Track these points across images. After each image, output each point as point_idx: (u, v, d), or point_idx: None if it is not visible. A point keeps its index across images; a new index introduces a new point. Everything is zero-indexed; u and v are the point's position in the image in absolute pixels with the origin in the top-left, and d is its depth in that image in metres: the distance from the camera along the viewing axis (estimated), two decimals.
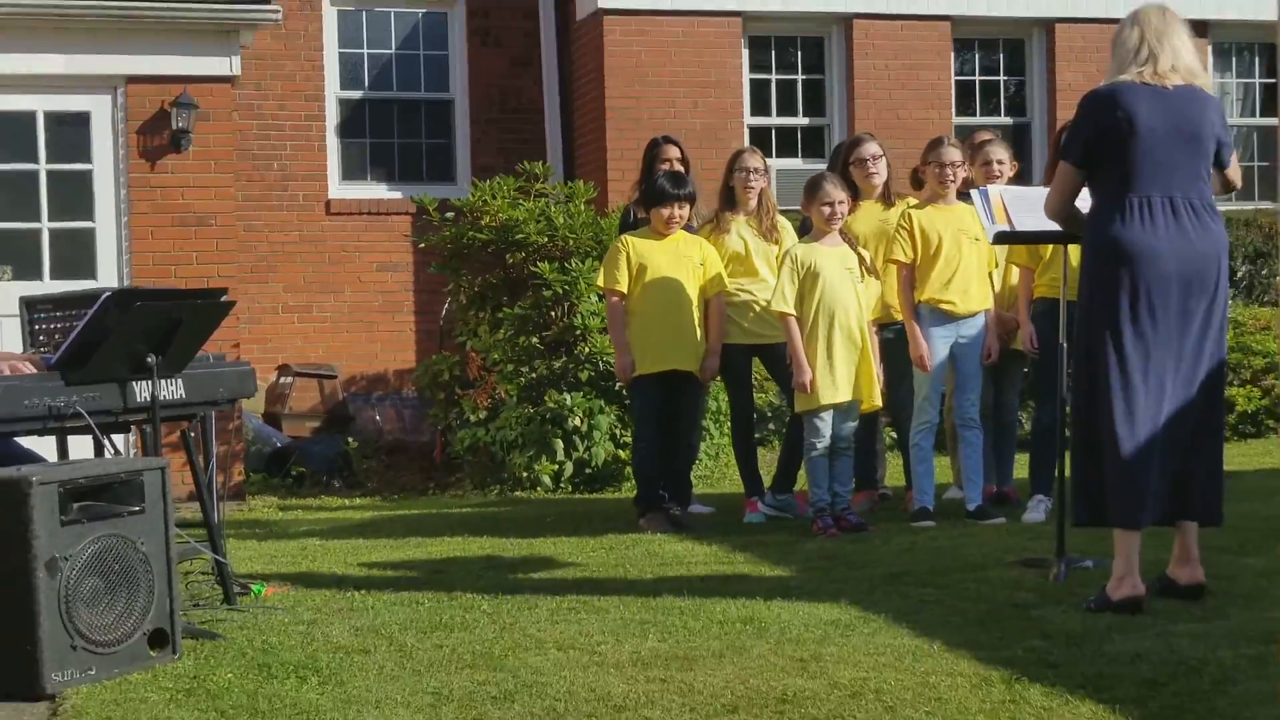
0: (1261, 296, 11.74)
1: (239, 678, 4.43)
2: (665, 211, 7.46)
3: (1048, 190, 6.11)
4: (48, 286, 9.46)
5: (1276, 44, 13.41)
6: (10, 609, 4.23)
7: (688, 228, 7.62)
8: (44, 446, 5.22)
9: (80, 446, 5.52)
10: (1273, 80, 13.53)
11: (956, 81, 12.81)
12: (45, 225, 9.91)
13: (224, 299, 5.26)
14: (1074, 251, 6.19)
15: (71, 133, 9.94)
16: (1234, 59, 13.32)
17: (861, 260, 7.14)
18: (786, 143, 12.53)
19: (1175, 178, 5.00)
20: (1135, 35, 5.09)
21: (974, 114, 12.87)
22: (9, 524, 4.23)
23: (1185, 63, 5.08)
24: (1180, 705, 3.91)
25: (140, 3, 9.62)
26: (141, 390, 4.89)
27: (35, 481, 4.23)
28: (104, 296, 4.76)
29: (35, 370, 4.74)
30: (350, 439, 11.19)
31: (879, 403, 7.23)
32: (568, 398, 9.44)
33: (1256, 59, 13.51)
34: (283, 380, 11.47)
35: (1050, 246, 6.90)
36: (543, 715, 4.00)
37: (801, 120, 12.65)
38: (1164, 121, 4.99)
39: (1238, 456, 8.61)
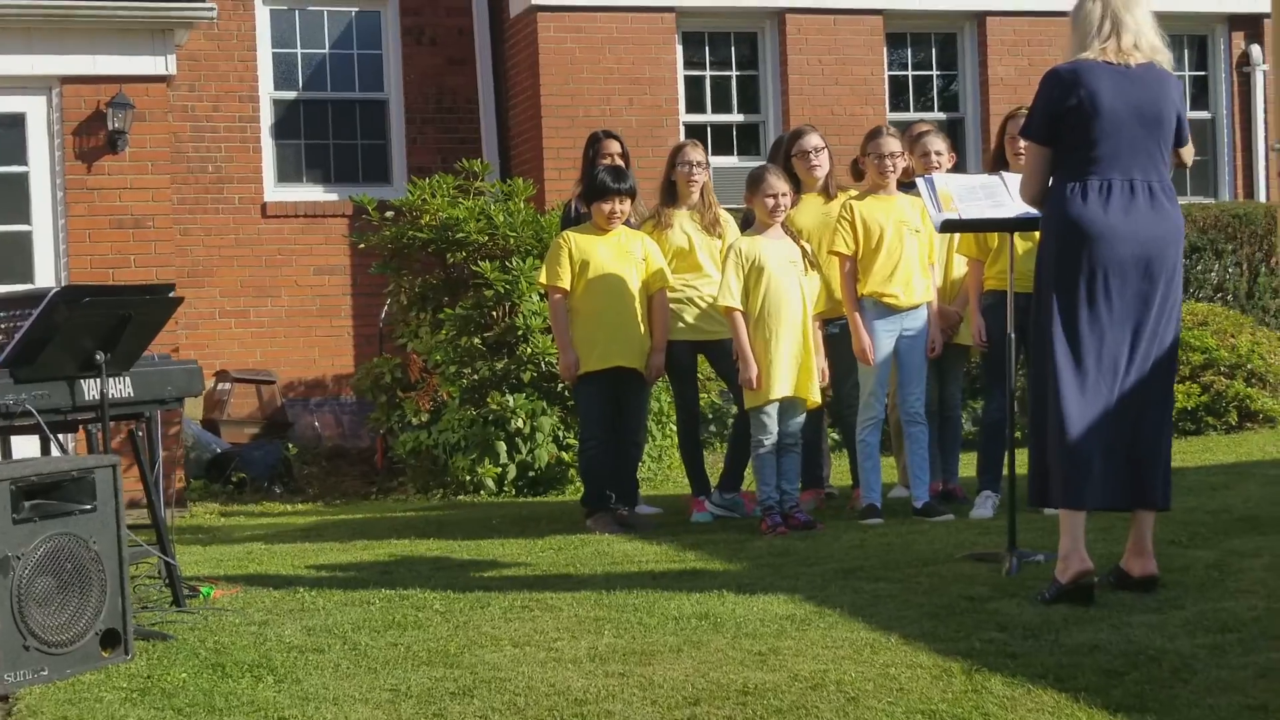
0: (1197, 292, 11.87)
1: (193, 677, 4.38)
2: (607, 206, 7.43)
3: (994, 177, 6.18)
4: None
5: (1206, 37, 13.64)
6: None
7: (629, 223, 7.60)
8: None
9: (22, 446, 5.44)
10: (1203, 73, 13.73)
11: (890, 76, 12.89)
12: None
13: (171, 295, 5.18)
14: (1019, 242, 6.25)
15: (6, 135, 9.78)
16: None
17: (805, 253, 7.13)
18: (722, 139, 12.55)
19: (1135, 160, 5.00)
20: (1098, 9, 5.06)
21: (907, 109, 12.95)
22: None
23: (1148, 40, 5.06)
24: (1142, 694, 3.93)
25: (74, 2, 9.49)
26: (90, 388, 4.82)
27: None
28: (52, 293, 4.68)
29: None
30: (290, 445, 11.08)
31: (818, 400, 7.20)
32: (510, 399, 9.38)
33: (1186, 51, 13.68)
34: (221, 386, 11.35)
35: (997, 237, 6.93)
36: (504, 710, 3.97)
37: (736, 117, 12.68)
38: (1126, 102, 4.98)
39: (1179, 453, 8.60)
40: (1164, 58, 5.11)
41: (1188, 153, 5.25)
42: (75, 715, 4.02)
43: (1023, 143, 5.88)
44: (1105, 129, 4.98)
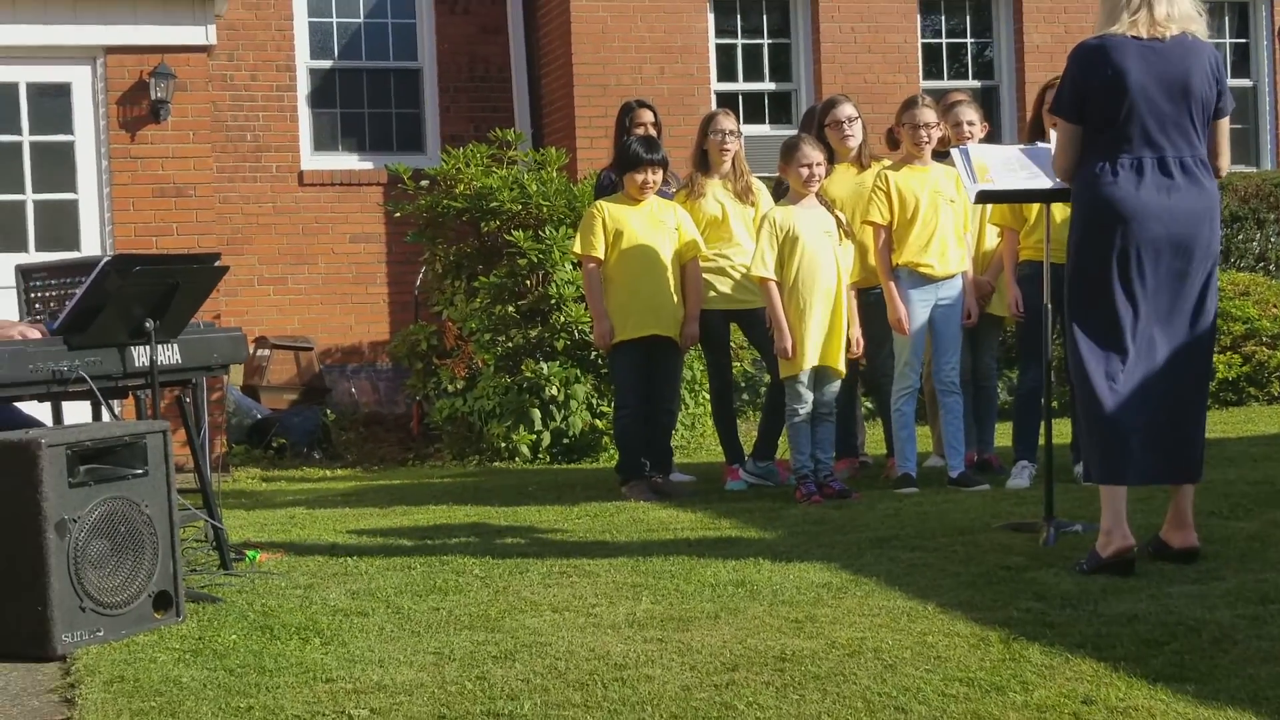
0: (1239, 262, 11.81)
1: (243, 639, 4.47)
2: (639, 176, 7.46)
3: (1029, 148, 6.17)
4: (33, 258, 9.43)
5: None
6: (20, 570, 4.26)
7: (663, 192, 7.63)
8: (40, 412, 5.23)
9: (73, 413, 5.54)
10: (1244, 40, 13.64)
11: (923, 44, 12.85)
12: (30, 197, 9.87)
13: (217, 264, 5.26)
14: (1057, 211, 6.26)
15: (53, 104, 9.88)
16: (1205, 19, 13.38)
17: (839, 223, 7.15)
18: (753, 108, 12.55)
19: (1166, 136, 4.95)
20: None
21: (941, 77, 12.91)
22: (19, 486, 4.26)
23: (1182, 9, 4.98)
24: (1182, 663, 3.93)
25: None
26: (140, 355, 4.90)
27: (44, 444, 4.25)
28: (104, 261, 4.77)
29: (39, 336, 4.75)
30: (328, 411, 11.19)
31: (843, 370, 7.20)
32: (544, 367, 9.45)
33: (1226, 19, 13.60)
34: (260, 353, 11.45)
35: (1035, 208, 6.92)
36: (545, 674, 4.03)
37: (768, 85, 12.67)
38: (1156, 78, 4.92)
39: (1220, 424, 8.68)
40: (1199, 27, 5.02)
41: (1223, 127, 5.11)
42: (131, 675, 4.10)
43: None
44: (1134, 106, 4.93)
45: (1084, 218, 5.06)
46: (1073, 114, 5.08)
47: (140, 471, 4.54)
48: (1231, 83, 13.37)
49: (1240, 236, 11.90)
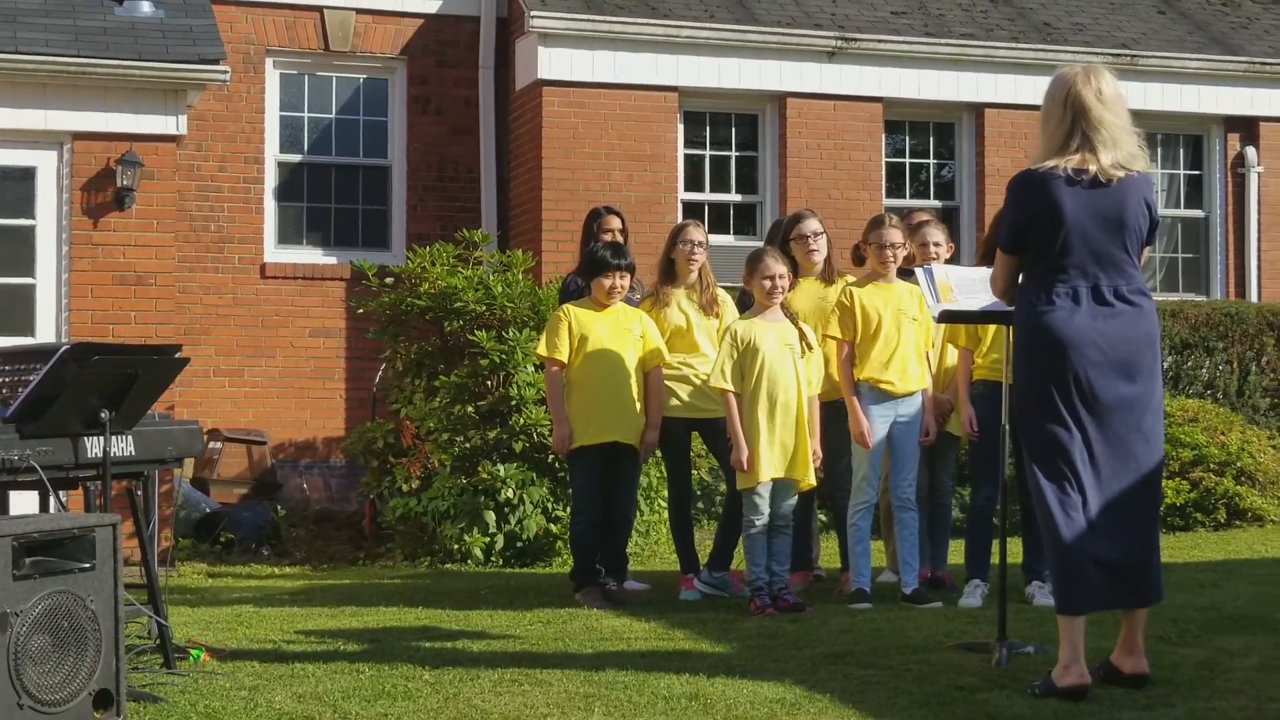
0: (1188, 388, 11.94)
1: None
2: (607, 281, 7.49)
3: (989, 271, 6.24)
4: None
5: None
6: None
7: (628, 300, 7.66)
8: None
9: (19, 502, 5.44)
10: (1197, 172, 13.89)
11: (886, 163, 13.03)
12: None
13: (177, 356, 5.22)
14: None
15: (15, 187, 9.87)
16: (1159, 149, 13.66)
17: (803, 335, 7.18)
18: (719, 218, 12.66)
19: (1103, 266, 5.00)
20: (1067, 122, 5.01)
21: (904, 195, 13.09)
22: None
23: (1126, 152, 5.02)
24: None
25: (90, 59, 9.59)
26: (93, 446, 4.84)
27: None
28: (61, 349, 4.71)
29: None
30: (278, 506, 11.07)
31: (814, 481, 7.24)
32: (501, 469, 9.40)
33: (1180, 150, 13.87)
34: (212, 445, 11.34)
35: (991, 328, 7.01)
36: None
37: (734, 197, 12.80)
38: (1091, 211, 4.97)
39: (1167, 549, 8.62)
40: (1141, 164, 5.07)
41: (1145, 254, 5.19)
42: None
43: None
44: (1069, 237, 4.98)
45: (1026, 345, 5.10)
46: (1008, 244, 5.17)
47: (87, 565, 4.46)
48: (1183, 213, 13.72)
49: (1190, 364, 12.04)
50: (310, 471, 11.94)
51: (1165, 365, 11.94)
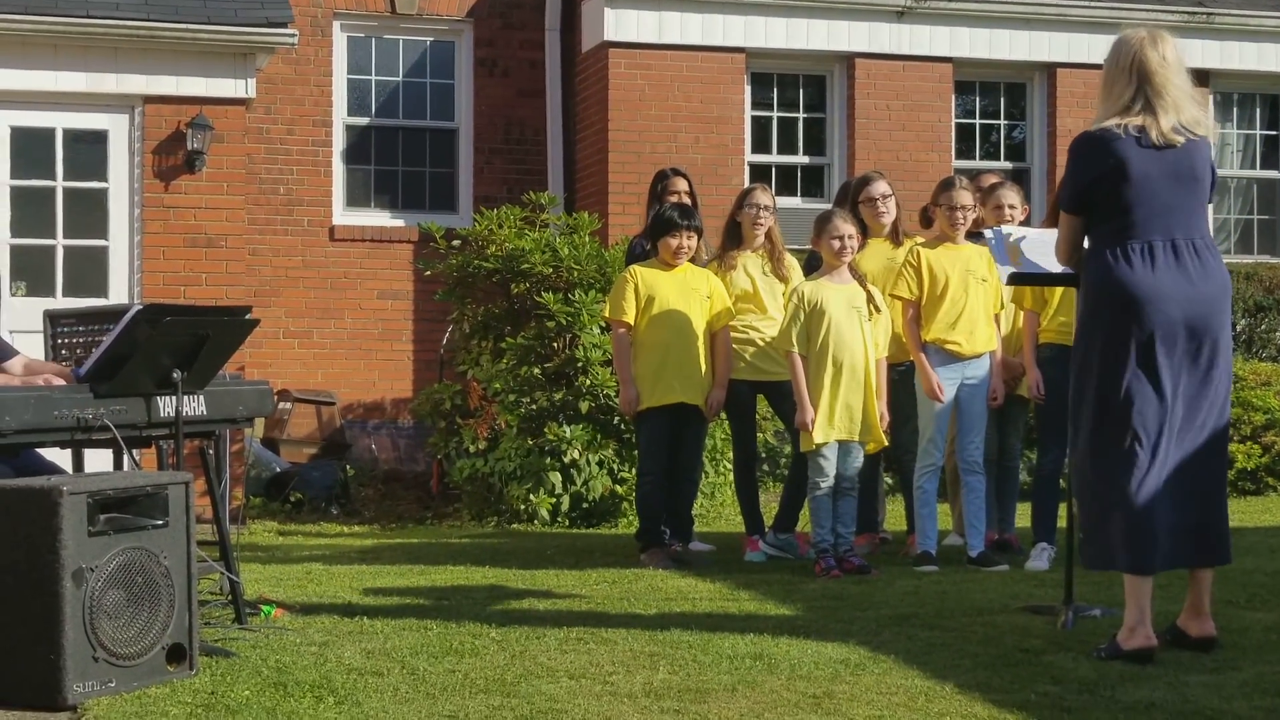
0: (1261, 351, 11.77)
1: (256, 695, 4.44)
2: (674, 241, 7.49)
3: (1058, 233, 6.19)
4: (60, 303, 9.48)
5: None
6: (35, 618, 4.25)
7: (695, 261, 7.65)
8: (60, 458, 5.23)
9: (94, 460, 5.54)
10: (1274, 132, 13.66)
11: (956, 124, 12.91)
12: (60, 242, 9.95)
13: (247, 318, 5.28)
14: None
15: (88, 150, 10.00)
16: (1235, 109, 13.44)
17: (870, 298, 7.16)
18: (786, 181, 12.60)
19: (1175, 220, 4.95)
20: (1131, 88, 4.97)
21: (973, 157, 12.97)
22: (38, 533, 4.25)
23: (1188, 117, 4.98)
24: None
25: (160, 23, 9.68)
26: (165, 405, 4.91)
27: (66, 491, 4.24)
28: (133, 310, 4.78)
29: (65, 382, 4.76)
30: (347, 466, 11.19)
31: (884, 442, 7.23)
32: (567, 430, 9.45)
33: (1257, 110, 13.63)
34: (282, 405, 11.47)
35: (1058, 291, 6.94)
36: None
37: (802, 159, 12.73)
38: (1158, 166, 4.93)
39: (1238, 513, 8.62)
40: (1204, 130, 5.02)
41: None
42: None
43: None
44: (1139, 193, 4.93)
45: (1095, 304, 5.04)
46: (1073, 205, 5.11)
47: (160, 523, 4.53)
48: (1259, 175, 13.50)
49: (1264, 326, 11.87)
50: (378, 432, 12.05)
51: (1239, 328, 11.79)
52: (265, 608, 5.72)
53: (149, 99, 9.93)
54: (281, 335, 12.14)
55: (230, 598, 5.51)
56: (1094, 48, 12.70)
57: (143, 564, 4.47)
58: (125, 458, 4.93)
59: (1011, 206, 7.69)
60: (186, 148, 9.90)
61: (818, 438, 6.97)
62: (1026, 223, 8.10)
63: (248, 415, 5.41)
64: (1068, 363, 6.00)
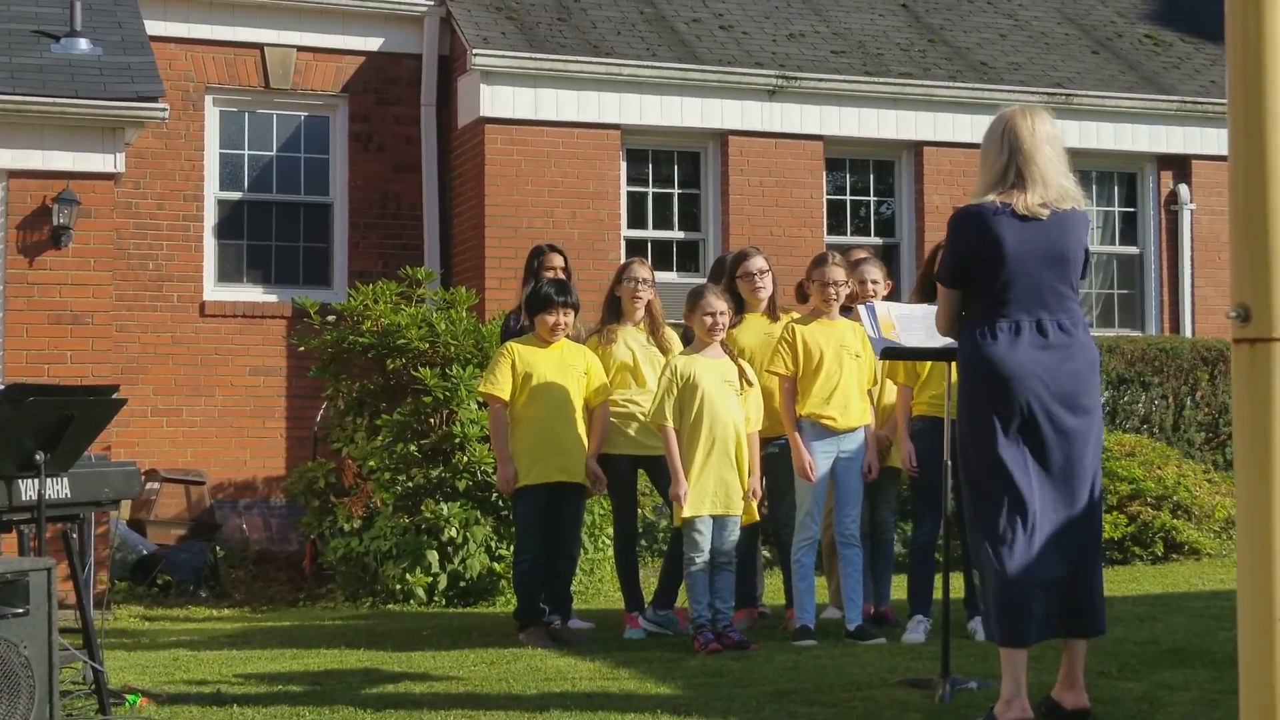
0: (1125, 423, 12.06)
1: None
2: (550, 318, 7.49)
3: (930, 308, 6.29)
4: None
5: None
6: None
7: (573, 337, 7.65)
8: None
9: None
10: (1132, 209, 14.08)
11: (828, 200, 13.12)
12: None
13: (114, 397, 5.15)
14: (956, 370, 6.35)
15: None
16: (1094, 187, 13.84)
17: (742, 372, 7.21)
18: (662, 256, 12.69)
19: (1045, 299, 5.05)
20: (1004, 157, 5.08)
21: (844, 232, 13.19)
22: None
23: (1055, 190, 5.08)
24: None
25: (26, 96, 9.50)
26: (27, 489, 4.76)
27: None
28: None
29: None
30: (217, 547, 10.94)
31: (755, 516, 7.25)
32: (444, 508, 9.34)
33: (1116, 188, 14.06)
34: (149, 485, 11.20)
35: (930, 364, 7.06)
36: None
37: (677, 234, 12.84)
38: (1032, 245, 5.02)
39: (1106, 583, 8.71)
40: (1074, 200, 5.12)
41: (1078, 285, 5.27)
42: None
43: None
44: (1012, 271, 5.03)
45: (971, 378, 5.13)
46: (950, 280, 5.20)
47: (21, 610, 4.38)
48: (1118, 250, 13.90)
49: (1126, 398, 12.18)
50: (250, 511, 11.83)
51: (1103, 400, 12.06)
52: (130, 697, 5.55)
53: (13, 173, 9.73)
54: (150, 413, 11.88)
55: (94, 687, 5.33)
56: (959, 127, 13.06)
57: (2, 654, 4.31)
58: None
59: (874, 281, 7.84)
60: (52, 223, 9.70)
61: (688, 511, 6.99)
62: (892, 296, 8.24)
63: (114, 497, 5.27)
64: (940, 435, 6.13)
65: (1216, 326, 13.62)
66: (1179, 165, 13.91)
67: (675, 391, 7.05)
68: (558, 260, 8.23)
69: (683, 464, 7.00)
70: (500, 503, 9.31)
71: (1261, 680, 2.03)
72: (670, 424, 7.03)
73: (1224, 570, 9.65)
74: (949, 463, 5.97)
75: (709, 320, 7.12)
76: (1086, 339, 5.14)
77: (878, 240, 13.17)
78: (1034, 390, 4.98)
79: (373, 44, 12.69)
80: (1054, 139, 5.14)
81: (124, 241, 11.70)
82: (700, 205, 12.88)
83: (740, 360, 7.27)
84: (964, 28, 14.34)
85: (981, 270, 5.06)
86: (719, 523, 7.07)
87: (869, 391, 7.50)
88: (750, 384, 7.22)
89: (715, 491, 7.01)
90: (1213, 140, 13.82)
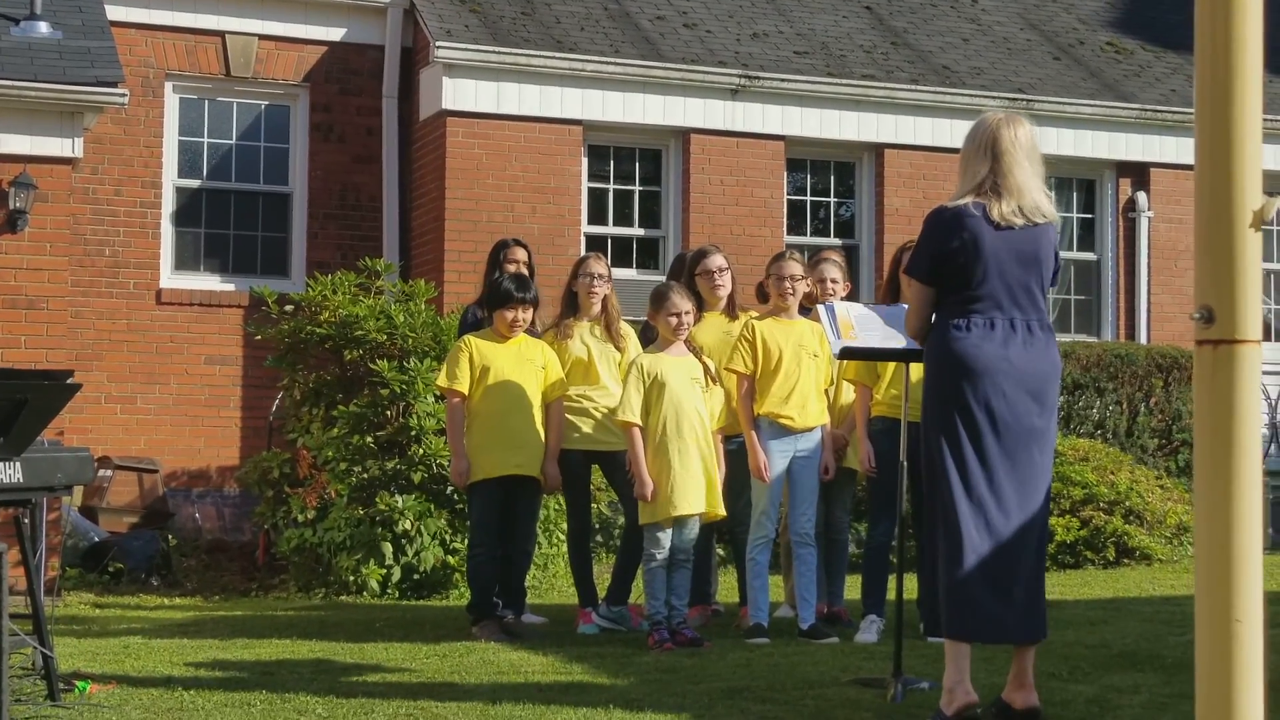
0: (1079, 428, 12.14)
1: None
2: (509, 314, 7.48)
3: (887, 308, 6.32)
4: None
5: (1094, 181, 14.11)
6: None
7: (530, 332, 7.65)
8: None
9: None
10: (1090, 215, 14.19)
11: (788, 200, 13.16)
12: None
13: (69, 382, 5.10)
14: (915, 370, 6.38)
15: None
16: (1054, 193, 13.87)
17: (706, 370, 7.22)
18: (622, 253, 12.69)
19: (1018, 298, 5.11)
20: (984, 167, 5.14)
21: (805, 233, 13.22)
22: None
23: (1029, 203, 5.14)
24: None
25: None
26: None
27: None
28: None
29: None
30: (169, 536, 10.86)
31: (723, 511, 7.25)
32: (399, 500, 9.31)
33: (1074, 194, 14.17)
34: (102, 473, 11.11)
35: (890, 366, 7.09)
36: None
37: (637, 231, 12.84)
38: (1006, 245, 5.08)
39: (1057, 586, 8.84)
40: (1048, 216, 5.19)
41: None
42: None
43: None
44: (987, 270, 5.09)
45: (938, 372, 5.16)
46: (922, 274, 5.23)
47: None
48: (1076, 256, 14.00)
49: (1081, 403, 12.27)
50: (203, 500, 11.74)
51: (1059, 405, 12.12)
52: (80, 684, 5.51)
53: None
54: (104, 400, 11.79)
55: (44, 673, 5.29)
56: (920, 130, 13.12)
57: None
58: None
59: (834, 280, 7.85)
60: (8, 207, 9.60)
61: (669, 511, 6.98)
62: (851, 296, 8.27)
63: (66, 483, 5.22)
64: (898, 435, 6.15)
65: (1172, 333, 13.75)
66: (1138, 173, 14.03)
67: (642, 389, 7.05)
68: (521, 255, 8.24)
69: (652, 463, 6.99)
70: (455, 496, 9.29)
71: (1218, 684, 2.05)
72: (638, 422, 7.02)
73: (1175, 575, 9.73)
74: (904, 463, 6.00)
75: (674, 320, 7.13)
76: (1053, 344, 5.20)
77: (837, 241, 13.20)
78: (1001, 386, 5.02)
79: (335, 34, 12.63)
80: (1033, 150, 5.20)
81: (80, 227, 11.60)
82: (661, 203, 12.88)
83: (705, 358, 7.27)
84: (927, 31, 14.41)
85: (957, 268, 5.10)
86: (679, 521, 7.07)
87: (825, 391, 7.52)
88: (715, 381, 7.23)
89: (682, 490, 7.00)
90: (1171, 148, 13.94)
